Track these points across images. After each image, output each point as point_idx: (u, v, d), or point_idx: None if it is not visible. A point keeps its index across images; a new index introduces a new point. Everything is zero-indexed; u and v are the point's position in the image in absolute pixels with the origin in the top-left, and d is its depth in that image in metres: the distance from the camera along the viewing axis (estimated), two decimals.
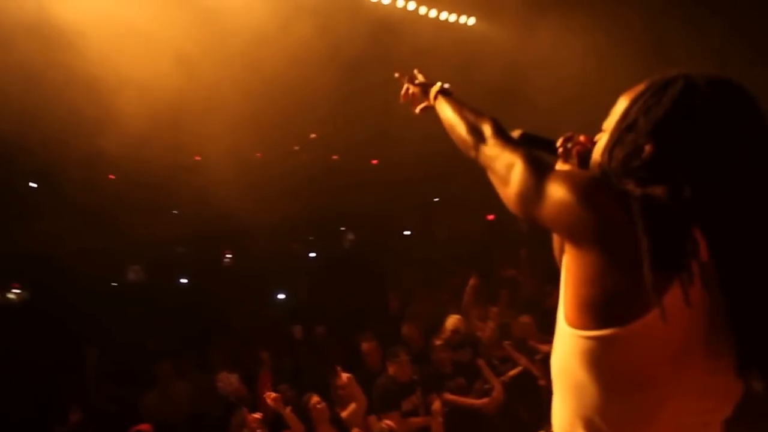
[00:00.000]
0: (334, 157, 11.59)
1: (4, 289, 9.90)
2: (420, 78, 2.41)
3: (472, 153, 1.82)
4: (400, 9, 8.09)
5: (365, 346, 6.66)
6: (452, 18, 8.86)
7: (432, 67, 2.65)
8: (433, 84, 2.27)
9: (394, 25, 7.88)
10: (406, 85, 2.44)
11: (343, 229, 14.08)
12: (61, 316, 8.18)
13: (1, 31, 5.56)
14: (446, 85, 2.23)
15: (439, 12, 8.65)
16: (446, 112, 2.06)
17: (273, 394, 5.37)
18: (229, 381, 5.98)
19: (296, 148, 11.31)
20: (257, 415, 5.17)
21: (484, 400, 6.19)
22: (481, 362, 6.51)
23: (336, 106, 8.61)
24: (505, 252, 9.63)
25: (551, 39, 7.81)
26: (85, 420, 5.94)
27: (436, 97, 2.19)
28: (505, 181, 1.59)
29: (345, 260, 12.35)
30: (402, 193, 11.73)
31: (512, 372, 6.47)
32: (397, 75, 2.52)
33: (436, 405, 6.01)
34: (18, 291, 9.91)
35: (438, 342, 6.67)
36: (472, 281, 7.65)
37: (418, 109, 2.38)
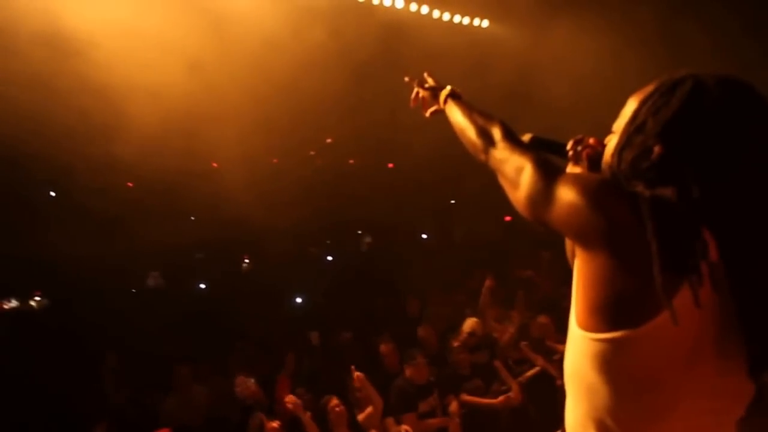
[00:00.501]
0: (350, 161, 11.63)
1: (25, 296, 10.00)
2: (430, 81, 2.41)
3: (482, 156, 1.83)
4: (412, 13, 8.13)
5: (383, 348, 6.67)
6: (465, 21, 8.89)
7: (445, 70, 2.66)
8: (442, 87, 2.27)
9: (407, 29, 7.91)
10: (416, 89, 2.45)
11: (359, 232, 14.10)
12: (81, 322, 8.25)
13: (13, 40, 5.62)
14: (456, 89, 2.23)
15: (452, 15, 8.67)
16: (456, 115, 2.06)
17: (293, 399, 5.37)
18: (246, 385, 5.98)
19: (312, 153, 11.37)
20: (275, 424, 5.15)
21: (500, 399, 6.18)
22: (497, 364, 6.50)
23: (350, 110, 8.64)
24: (522, 253, 9.60)
25: (564, 40, 7.79)
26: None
27: (445, 101, 2.20)
28: (515, 184, 1.59)
29: (363, 264, 12.35)
30: (418, 197, 11.73)
31: (529, 372, 6.46)
32: (407, 79, 2.52)
33: (454, 406, 6.02)
34: (39, 298, 10.01)
35: (456, 343, 6.65)
36: (488, 283, 7.65)
37: (428, 113, 2.39)
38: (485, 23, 8.99)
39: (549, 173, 1.49)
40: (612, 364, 1.36)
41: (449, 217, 13.38)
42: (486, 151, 1.80)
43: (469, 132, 1.91)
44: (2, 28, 5.53)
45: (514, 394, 6.21)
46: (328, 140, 10.94)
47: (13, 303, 9.89)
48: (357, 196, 11.09)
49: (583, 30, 7.53)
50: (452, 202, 13.28)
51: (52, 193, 10.10)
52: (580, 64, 7.76)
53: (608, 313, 1.34)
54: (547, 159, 1.60)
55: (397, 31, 7.78)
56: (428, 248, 13.16)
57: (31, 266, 9.05)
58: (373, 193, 11.05)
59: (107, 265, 9.11)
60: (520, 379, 6.40)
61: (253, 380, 6.04)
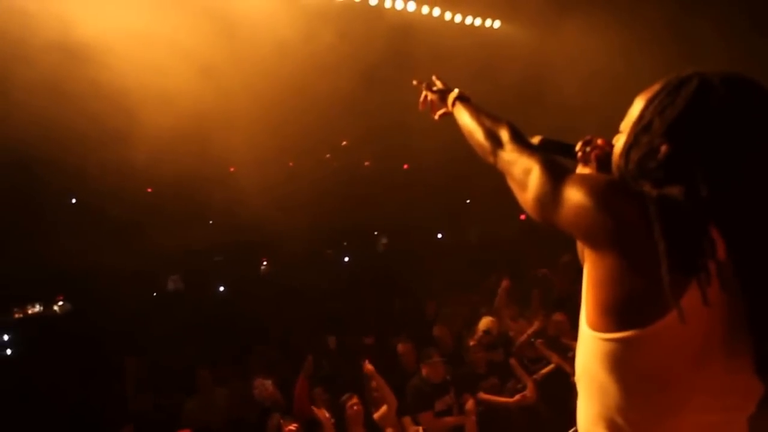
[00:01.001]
0: (366, 163, 11.66)
1: (49, 301, 10.11)
2: (438, 84, 2.39)
3: (491, 158, 1.83)
4: (424, 15, 8.17)
5: (401, 347, 6.73)
6: (477, 22, 8.92)
7: (456, 70, 2.68)
8: (450, 90, 2.26)
9: (419, 31, 7.94)
10: (424, 93, 2.43)
11: (376, 233, 14.11)
12: (103, 327, 8.34)
13: (27, 48, 5.70)
14: (464, 92, 2.24)
15: (464, 16, 8.71)
16: (464, 118, 2.06)
17: (326, 414, 5.43)
18: (264, 387, 6.04)
19: (328, 155, 11.42)
20: (293, 426, 5.20)
21: (517, 397, 6.21)
22: (513, 362, 6.53)
23: (364, 113, 8.68)
24: (537, 251, 9.59)
25: (574, 39, 7.77)
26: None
27: (453, 104, 2.19)
28: (523, 186, 1.60)
29: (379, 265, 12.37)
30: (434, 197, 11.73)
31: (545, 370, 6.48)
32: (415, 82, 2.50)
33: (470, 404, 6.05)
34: (62, 303, 10.10)
35: (472, 343, 6.69)
36: (504, 284, 7.67)
37: (436, 116, 2.36)
38: (497, 24, 9.01)
39: (557, 174, 1.50)
40: (621, 364, 1.37)
41: (465, 217, 13.35)
42: (494, 153, 1.81)
43: (477, 134, 1.92)
44: (16, 37, 5.62)
45: (529, 392, 6.24)
46: (344, 143, 10.99)
47: (37, 308, 10.00)
48: (373, 198, 11.11)
49: (593, 28, 7.52)
50: (467, 201, 13.26)
51: (74, 200, 10.23)
52: (591, 62, 7.75)
53: (617, 313, 1.35)
54: (555, 160, 1.60)
55: (408, 33, 7.82)
56: (444, 248, 13.16)
57: (52, 272, 9.15)
58: (388, 195, 11.07)
59: (128, 270, 9.18)
60: (536, 376, 6.42)
61: (270, 382, 6.09)
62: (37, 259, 8.63)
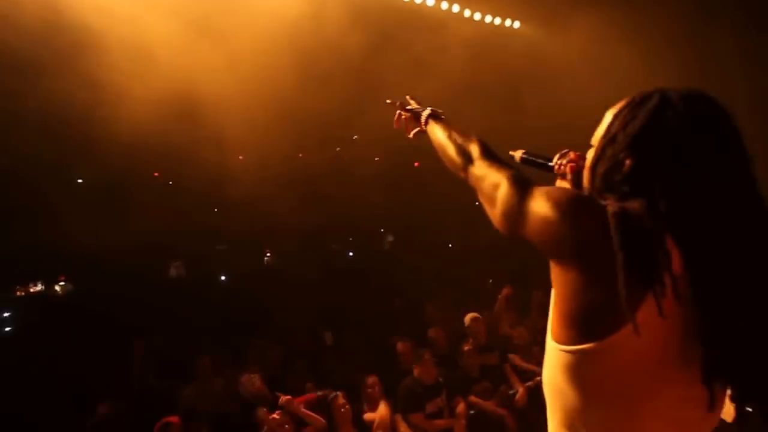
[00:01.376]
0: (376, 158, 11.62)
1: (51, 281, 10.14)
2: (412, 104, 2.47)
3: (462, 174, 1.89)
4: (429, 7, 8.18)
5: (400, 346, 6.75)
6: (497, 21, 8.92)
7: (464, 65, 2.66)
8: (423, 109, 2.33)
9: (429, 26, 7.94)
10: (398, 112, 2.50)
11: (382, 230, 14.09)
12: (105, 311, 8.36)
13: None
14: (437, 110, 2.29)
15: (483, 15, 8.71)
16: (437, 135, 2.13)
17: (323, 420, 5.45)
18: (251, 382, 6.07)
19: (338, 149, 11.40)
20: (275, 415, 5.22)
21: (504, 411, 6.20)
22: (507, 367, 6.53)
23: (373, 110, 8.65)
24: (541, 258, 9.52)
25: (584, 39, 7.74)
26: (127, 410, 6.02)
27: (426, 122, 2.26)
28: (492, 200, 1.63)
29: (383, 263, 12.37)
30: (441, 197, 11.70)
31: (539, 377, 6.43)
32: (389, 101, 2.58)
33: (460, 407, 6.05)
34: (63, 283, 10.14)
35: (467, 347, 6.67)
36: (505, 291, 7.71)
37: (411, 134, 2.45)
38: (516, 24, 9.00)
39: (523, 188, 1.52)
40: (581, 375, 1.39)
41: (474, 219, 13.21)
42: (465, 169, 1.86)
43: (449, 150, 1.98)
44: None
45: (520, 397, 6.25)
46: (355, 137, 10.98)
47: (39, 287, 10.06)
48: (381, 194, 11.06)
49: (604, 25, 7.48)
50: (477, 203, 13.16)
51: (80, 180, 10.26)
52: (599, 62, 7.73)
53: (578, 326, 1.36)
54: (523, 175, 1.63)
55: (416, 29, 7.82)
56: (449, 251, 13.13)
57: (55, 251, 9.17)
58: (397, 192, 11.08)
59: (130, 253, 9.18)
60: (530, 384, 6.40)
61: (258, 376, 6.11)
62: (39, 239, 8.65)
